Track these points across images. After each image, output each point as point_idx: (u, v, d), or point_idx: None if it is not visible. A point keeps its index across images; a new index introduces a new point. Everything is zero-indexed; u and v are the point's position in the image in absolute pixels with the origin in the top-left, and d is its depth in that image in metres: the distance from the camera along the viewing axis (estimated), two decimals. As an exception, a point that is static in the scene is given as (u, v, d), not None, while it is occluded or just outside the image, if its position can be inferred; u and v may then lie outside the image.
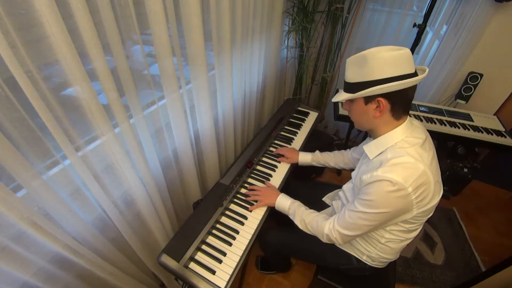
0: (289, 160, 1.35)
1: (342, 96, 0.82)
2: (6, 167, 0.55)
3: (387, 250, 0.93)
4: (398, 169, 0.71)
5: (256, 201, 1.12)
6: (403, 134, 0.78)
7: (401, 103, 0.76)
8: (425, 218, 0.83)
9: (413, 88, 0.75)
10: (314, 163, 1.34)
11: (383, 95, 0.74)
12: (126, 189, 0.93)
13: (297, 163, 1.36)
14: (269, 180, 1.26)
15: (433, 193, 0.75)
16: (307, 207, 1.04)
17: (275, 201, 1.08)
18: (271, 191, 1.13)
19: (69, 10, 0.57)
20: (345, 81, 0.83)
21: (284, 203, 1.06)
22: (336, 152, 1.31)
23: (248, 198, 1.14)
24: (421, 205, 0.75)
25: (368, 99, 0.77)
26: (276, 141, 1.49)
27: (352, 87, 0.79)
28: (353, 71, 0.78)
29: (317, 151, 1.35)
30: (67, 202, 0.70)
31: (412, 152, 0.73)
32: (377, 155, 0.81)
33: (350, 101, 0.84)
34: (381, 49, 0.73)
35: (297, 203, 1.06)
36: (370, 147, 0.85)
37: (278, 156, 1.38)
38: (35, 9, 0.52)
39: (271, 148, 1.44)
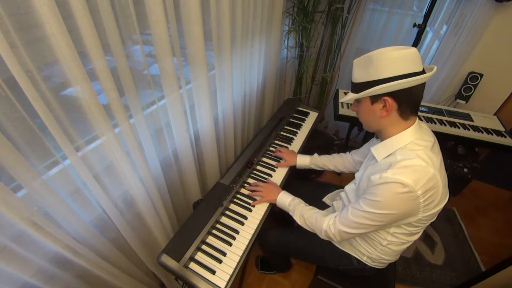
0: (287, 164, 1.32)
1: (348, 97, 0.82)
2: (6, 167, 0.55)
3: (388, 252, 0.92)
4: (409, 171, 0.69)
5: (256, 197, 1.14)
6: (413, 136, 0.76)
7: (408, 103, 0.74)
8: (429, 222, 0.82)
9: (420, 87, 0.73)
10: (313, 166, 1.32)
11: (389, 94, 0.73)
12: (126, 189, 0.93)
13: (295, 166, 1.33)
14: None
15: (440, 198, 0.74)
16: (307, 204, 1.05)
17: (276, 197, 1.10)
18: (273, 188, 1.15)
19: (69, 10, 0.57)
20: (352, 82, 0.82)
21: (285, 199, 1.08)
22: (335, 155, 1.30)
23: (250, 194, 1.15)
24: (427, 209, 0.74)
25: (374, 99, 0.77)
26: (276, 141, 1.49)
27: (358, 87, 0.78)
28: (359, 71, 0.78)
29: (316, 154, 1.33)
30: (67, 202, 0.70)
31: (422, 154, 0.72)
32: (385, 157, 0.80)
33: (358, 101, 0.83)
34: (388, 49, 0.73)
35: (298, 200, 1.07)
36: (378, 149, 0.83)
37: (277, 158, 1.37)
38: (35, 9, 0.52)
39: (271, 148, 1.43)
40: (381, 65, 0.71)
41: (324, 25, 1.94)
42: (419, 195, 0.69)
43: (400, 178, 0.69)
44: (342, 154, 1.28)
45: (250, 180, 1.25)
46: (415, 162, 0.71)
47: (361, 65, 0.76)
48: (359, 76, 0.78)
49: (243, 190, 1.20)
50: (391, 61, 0.70)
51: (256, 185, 1.17)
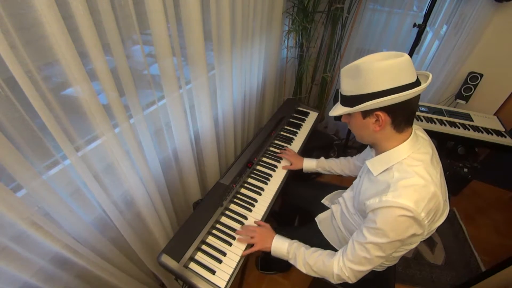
0: (293, 167, 1.31)
1: (338, 111, 0.77)
2: (6, 167, 0.55)
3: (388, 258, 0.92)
4: (409, 192, 0.65)
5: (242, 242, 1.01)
6: (410, 150, 0.72)
7: (403, 116, 0.70)
8: (429, 235, 0.80)
9: (415, 99, 0.69)
10: (320, 169, 1.29)
11: (381, 109, 0.68)
12: (126, 189, 0.93)
13: (302, 170, 1.32)
14: (269, 180, 1.26)
15: (441, 214, 0.73)
16: (307, 246, 0.93)
17: (270, 245, 0.95)
18: (266, 233, 0.99)
19: (69, 10, 0.57)
20: (340, 93, 0.77)
21: (281, 246, 0.94)
22: (341, 158, 1.27)
23: (240, 239, 1.00)
24: (430, 226, 0.72)
25: (365, 113, 0.72)
26: (276, 141, 1.49)
27: (348, 100, 0.73)
28: (347, 82, 0.72)
29: (322, 158, 1.31)
30: (67, 202, 0.70)
31: (421, 171, 0.68)
32: (382, 172, 0.76)
33: (349, 114, 0.78)
34: (377, 58, 0.69)
35: (295, 243, 0.94)
36: (373, 164, 0.79)
37: (279, 158, 1.37)
38: (35, 9, 0.52)
39: (271, 148, 1.44)
40: (371, 77, 0.66)
41: (324, 25, 1.94)
42: (423, 217, 0.66)
43: (401, 201, 0.65)
44: (348, 158, 1.26)
45: (250, 180, 1.25)
46: (414, 182, 0.67)
47: (349, 76, 0.71)
48: (348, 88, 0.72)
49: (243, 190, 1.20)
50: (382, 72, 0.65)
51: (248, 229, 1.02)
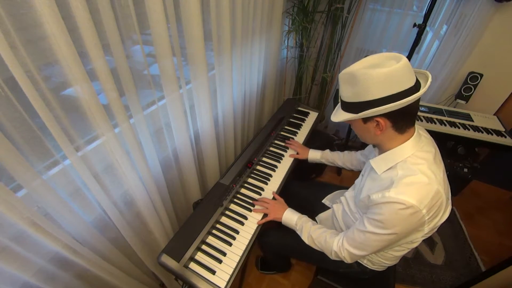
0: (300, 156, 1.38)
1: (340, 117, 0.78)
2: (6, 167, 0.55)
3: (389, 257, 0.92)
4: (412, 190, 0.67)
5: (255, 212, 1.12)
6: (413, 149, 0.74)
7: (403, 119, 0.71)
8: (431, 233, 0.80)
9: (415, 101, 0.69)
10: (323, 160, 1.35)
11: (381, 115, 0.70)
12: (126, 189, 0.93)
13: (307, 160, 1.39)
14: (269, 180, 1.26)
15: (444, 211, 0.73)
16: (314, 222, 1.02)
17: (282, 215, 1.06)
18: (279, 206, 1.10)
19: (69, 10, 0.57)
20: (340, 98, 0.79)
21: (291, 217, 1.05)
22: (346, 152, 1.31)
23: (256, 210, 1.11)
24: (431, 223, 0.73)
25: (366, 119, 0.73)
26: (276, 141, 1.49)
27: (348, 107, 0.75)
28: (346, 89, 0.73)
29: (327, 150, 1.37)
30: (67, 202, 0.70)
31: (425, 169, 0.69)
32: (386, 170, 0.78)
33: None
34: (373, 62, 0.69)
35: (304, 218, 1.04)
36: (377, 163, 0.80)
37: (280, 158, 1.37)
38: (35, 9, 0.52)
39: (271, 148, 1.44)
40: (369, 85, 0.66)
41: (324, 25, 1.94)
42: (424, 213, 0.67)
43: (404, 198, 0.66)
44: (352, 152, 1.29)
45: (250, 180, 1.25)
46: (418, 179, 0.68)
47: (347, 82, 0.72)
48: (347, 94, 0.74)
49: (243, 190, 1.20)
50: (379, 80, 0.65)
51: (263, 201, 1.13)
